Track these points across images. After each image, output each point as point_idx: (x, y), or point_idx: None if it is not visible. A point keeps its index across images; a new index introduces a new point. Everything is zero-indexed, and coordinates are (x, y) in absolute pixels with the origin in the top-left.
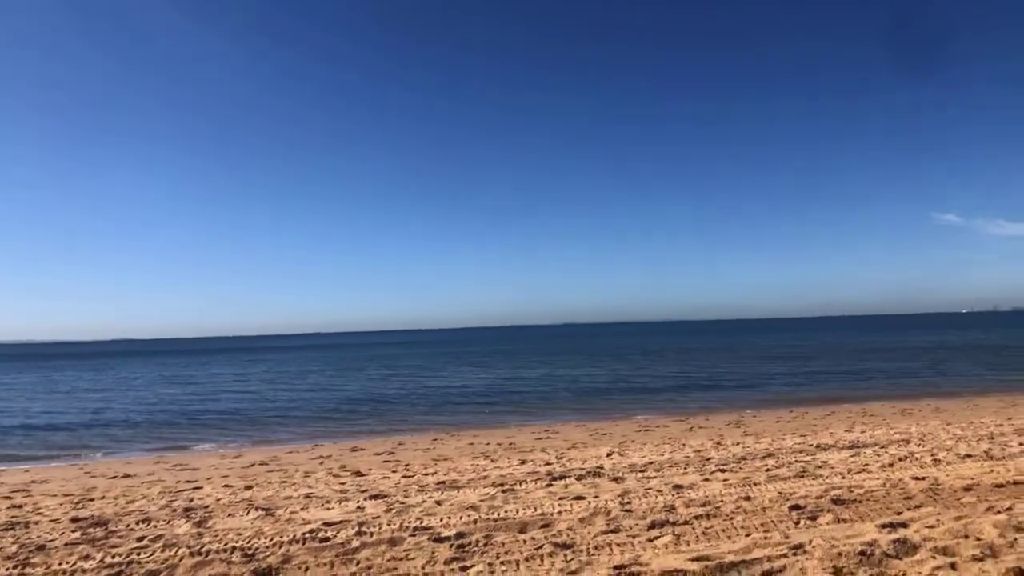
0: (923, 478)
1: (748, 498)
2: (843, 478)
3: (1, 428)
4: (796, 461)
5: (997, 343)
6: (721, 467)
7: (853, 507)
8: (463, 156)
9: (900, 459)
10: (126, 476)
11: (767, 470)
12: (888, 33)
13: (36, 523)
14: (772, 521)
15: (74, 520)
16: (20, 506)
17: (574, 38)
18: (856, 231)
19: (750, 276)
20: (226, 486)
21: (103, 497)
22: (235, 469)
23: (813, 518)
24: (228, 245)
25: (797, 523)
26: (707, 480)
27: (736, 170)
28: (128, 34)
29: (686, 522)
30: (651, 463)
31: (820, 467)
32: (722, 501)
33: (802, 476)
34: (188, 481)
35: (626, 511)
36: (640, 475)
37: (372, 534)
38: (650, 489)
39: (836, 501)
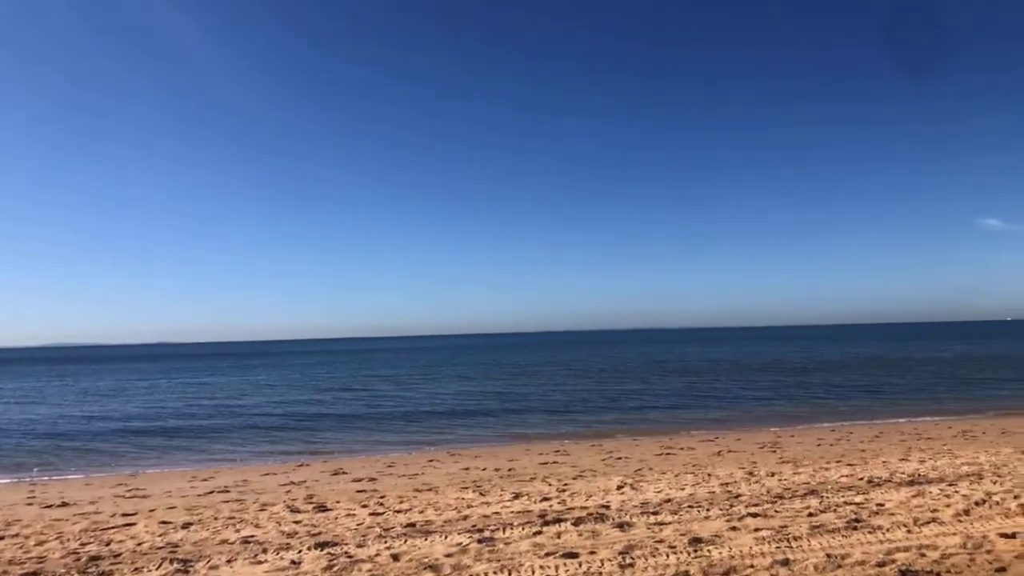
0: (1012, 535)
1: (786, 562)
2: (908, 532)
3: None
4: (845, 503)
5: None
6: (752, 509)
7: None
8: (470, 155)
9: (976, 503)
10: (63, 505)
11: (810, 515)
12: (933, 32)
13: None
14: None
15: None
16: None
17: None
18: (890, 235)
19: (768, 280)
20: (163, 522)
21: (16, 535)
22: (189, 497)
23: None
24: (236, 248)
25: None
26: (734, 529)
27: (754, 171)
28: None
29: None
30: (668, 500)
31: (876, 513)
32: (752, 567)
33: (855, 527)
34: (125, 515)
35: None
36: (652, 519)
37: None
38: (661, 542)
39: (906, 574)
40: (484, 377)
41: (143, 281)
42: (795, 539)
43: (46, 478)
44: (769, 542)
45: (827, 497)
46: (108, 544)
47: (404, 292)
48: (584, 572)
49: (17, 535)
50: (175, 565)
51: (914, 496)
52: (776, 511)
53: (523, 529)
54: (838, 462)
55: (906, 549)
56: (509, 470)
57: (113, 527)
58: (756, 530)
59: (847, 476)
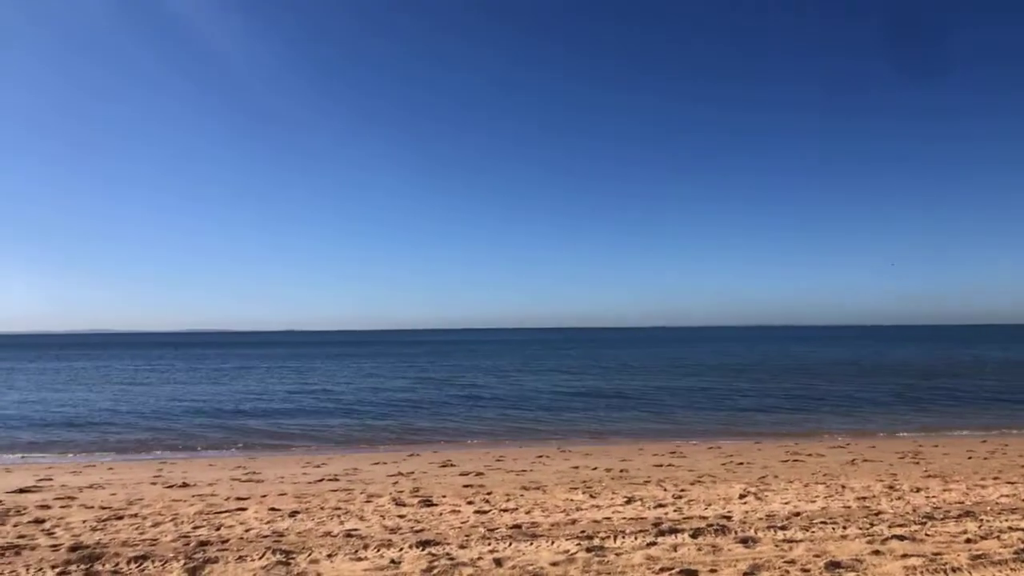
0: None
1: None
2: None
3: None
4: (1011, 528)
5: None
6: (898, 530)
7: None
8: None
9: None
10: (184, 486)
11: (968, 541)
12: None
13: (34, 549)
14: None
15: (72, 549)
16: (43, 520)
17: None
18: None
19: (890, 278)
20: (272, 509)
21: (135, 515)
22: (300, 484)
23: None
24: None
25: None
26: (878, 553)
27: (839, 161)
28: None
29: None
30: (797, 514)
31: None
32: None
33: None
34: (239, 499)
35: None
36: (780, 535)
37: None
38: (792, 564)
39: None
40: (587, 372)
41: (273, 272)
42: (954, 571)
43: (172, 457)
44: (922, 572)
45: (987, 520)
46: (218, 529)
47: (507, 286)
48: None
49: (136, 515)
50: (277, 556)
51: None
52: (927, 534)
53: (635, 538)
54: (995, 479)
55: None
56: (621, 471)
57: (225, 511)
58: (904, 556)
59: (1008, 496)
